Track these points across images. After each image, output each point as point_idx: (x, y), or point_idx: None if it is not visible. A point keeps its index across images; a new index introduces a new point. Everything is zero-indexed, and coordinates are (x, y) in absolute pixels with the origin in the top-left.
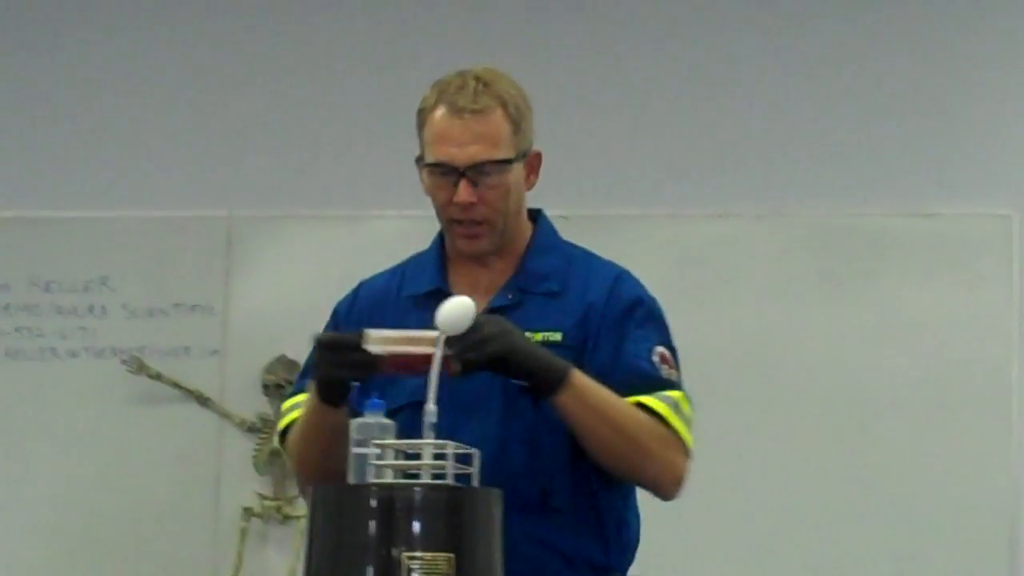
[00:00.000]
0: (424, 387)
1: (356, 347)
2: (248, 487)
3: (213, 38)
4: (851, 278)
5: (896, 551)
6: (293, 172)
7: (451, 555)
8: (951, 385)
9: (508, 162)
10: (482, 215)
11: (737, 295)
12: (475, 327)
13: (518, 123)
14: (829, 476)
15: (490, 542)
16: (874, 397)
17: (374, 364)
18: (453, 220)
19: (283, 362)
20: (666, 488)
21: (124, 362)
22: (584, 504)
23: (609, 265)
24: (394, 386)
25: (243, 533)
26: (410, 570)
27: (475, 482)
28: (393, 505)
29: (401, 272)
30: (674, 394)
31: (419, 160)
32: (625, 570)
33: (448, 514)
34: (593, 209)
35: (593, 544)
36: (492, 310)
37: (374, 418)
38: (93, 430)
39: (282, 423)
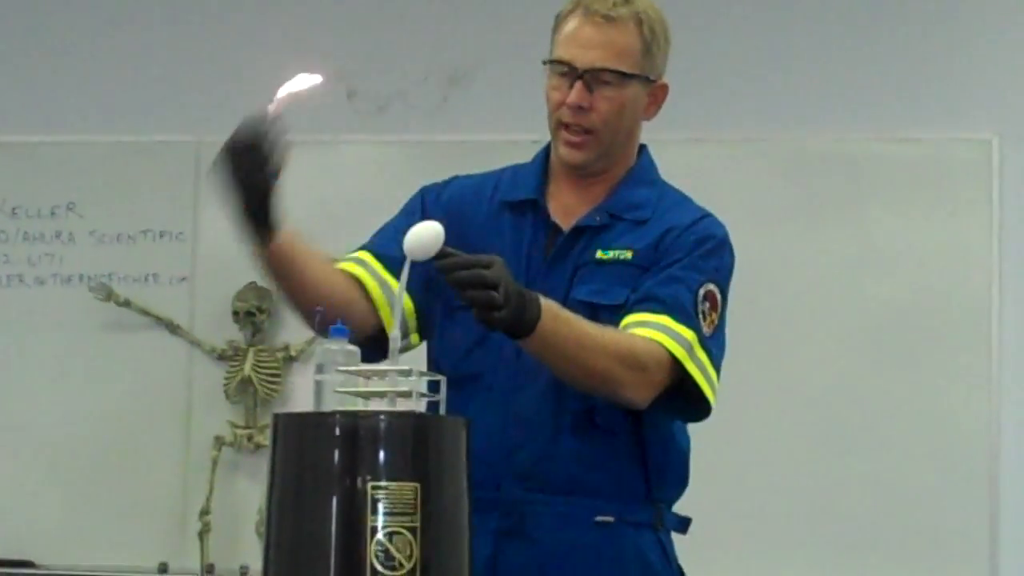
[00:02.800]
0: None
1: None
2: (219, 415)
3: None
4: (829, 204)
5: (876, 479)
6: (262, 95)
7: (417, 485)
8: (931, 311)
9: (628, 76)
10: (591, 123)
11: None
12: (487, 265)
13: (649, 45)
14: (807, 405)
15: (457, 470)
16: (854, 324)
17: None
18: (561, 123)
19: (253, 289)
20: (638, 406)
21: (92, 289)
22: (630, 426)
23: (701, 207)
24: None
25: (214, 462)
26: (375, 500)
27: (442, 409)
28: (357, 433)
29: (498, 177)
30: (689, 334)
31: (544, 62)
32: (670, 502)
33: (414, 443)
34: None
35: (636, 466)
36: (579, 228)
37: (338, 344)
38: (62, 358)
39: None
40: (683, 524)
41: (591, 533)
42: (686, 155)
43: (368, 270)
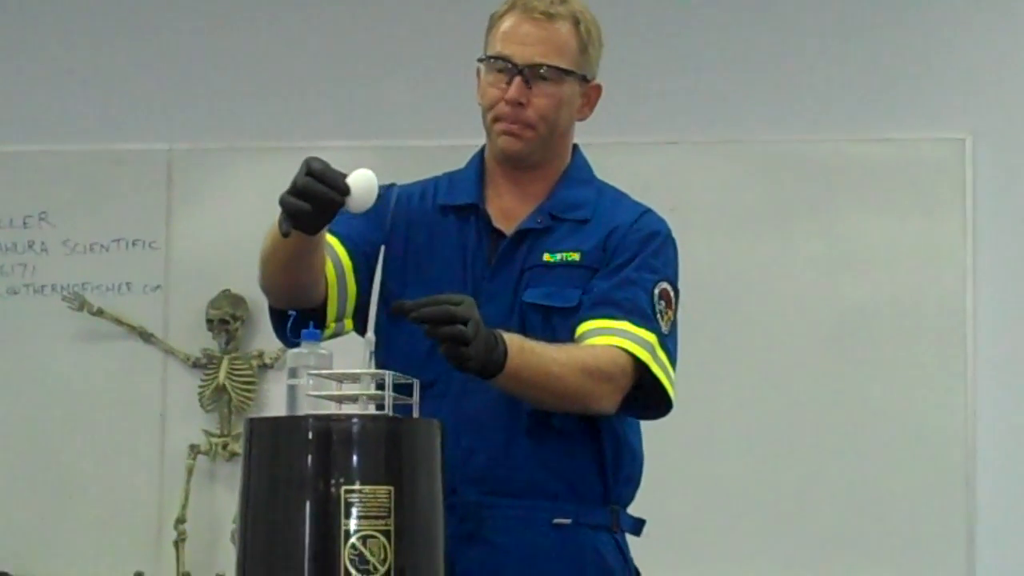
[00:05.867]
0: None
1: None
2: (194, 424)
3: None
4: (804, 205)
5: (851, 481)
6: (234, 103)
7: (390, 487)
8: (905, 312)
9: (567, 72)
10: (528, 118)
11: (688, 223)
12: (458, 303)
13: (586, 45)
14: (784, 405)
15: (431, 474)
16: (828, 325)
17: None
18: (497, 119)
19: (227, 297)
20: (607, 413)
21: (65, 298)
22: (585, 427)
23: (639, 203)
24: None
25: (189, 470)
26: (348, 504)
27: (415, 412)
28: (330, 437)
29: (435, 184)
30: (650, 337)
31: (480, 60)
32: (624, 504)
33: (387, 446)
34: None
35: (591, 468)
36: (522, 232)
37: (309, 348)
38: (35, 367)
39: None
40: (637, 526)
41: (549, 536)
42: (660, 157)
43: (330, 254)
